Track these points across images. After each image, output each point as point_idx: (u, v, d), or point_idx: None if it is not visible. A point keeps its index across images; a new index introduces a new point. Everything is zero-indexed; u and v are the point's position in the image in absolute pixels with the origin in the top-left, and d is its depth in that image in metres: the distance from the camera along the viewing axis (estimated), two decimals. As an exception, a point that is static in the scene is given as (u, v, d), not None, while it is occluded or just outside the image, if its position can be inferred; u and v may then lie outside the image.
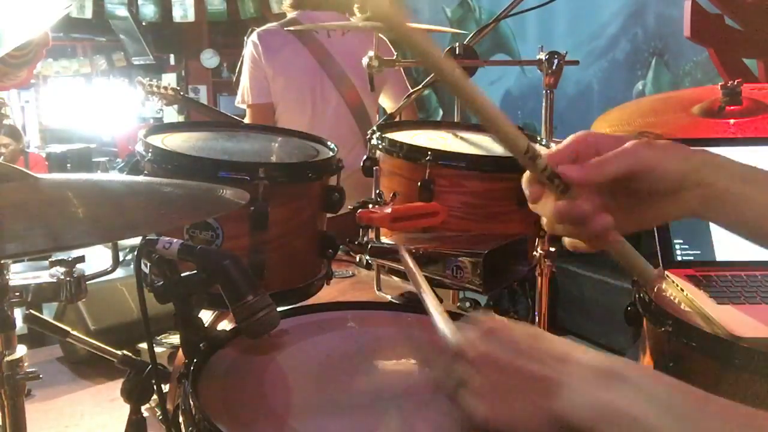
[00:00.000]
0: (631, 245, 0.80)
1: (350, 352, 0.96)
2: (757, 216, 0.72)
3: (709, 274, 1.19)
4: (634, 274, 0.81)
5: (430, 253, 1.13)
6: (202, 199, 0.92)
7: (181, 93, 3.49)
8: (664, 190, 0.73)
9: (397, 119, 2.13)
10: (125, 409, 1.09)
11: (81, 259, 1.07)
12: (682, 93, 2.22)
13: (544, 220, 0.79)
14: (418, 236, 1.21)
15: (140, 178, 1.05)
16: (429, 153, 1.22)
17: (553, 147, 0.76)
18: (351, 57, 2.07)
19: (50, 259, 1.07)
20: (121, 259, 1.19)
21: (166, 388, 1.09)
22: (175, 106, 3.61)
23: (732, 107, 1.57)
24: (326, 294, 1.21)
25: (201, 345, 0.93)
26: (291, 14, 2.48)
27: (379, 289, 1.34)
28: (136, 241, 0.93)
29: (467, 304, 1.50)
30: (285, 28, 2.43)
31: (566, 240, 0.80)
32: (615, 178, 0.72)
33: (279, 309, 0.93)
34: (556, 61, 1.67)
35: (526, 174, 0.77)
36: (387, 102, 2.55)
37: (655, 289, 1.18)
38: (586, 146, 0.75)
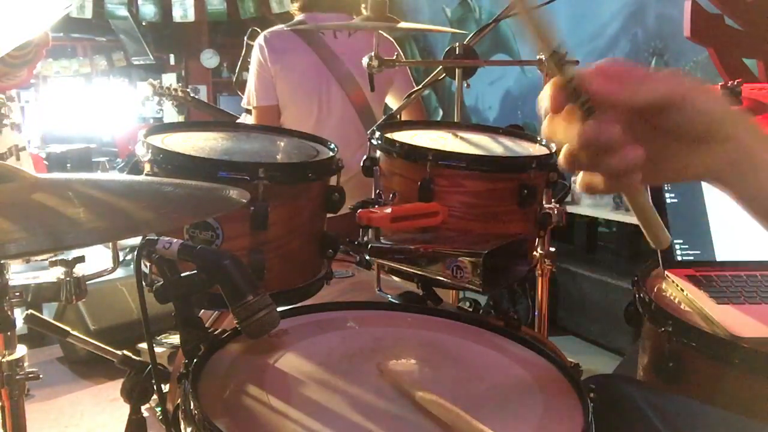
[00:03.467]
0: (647, 202, 0.71)
1: (350, 352, 0.96)
2: None
3: (709, 274, 1.19)
4: (648, 234, 0.72)
5: (430, 253, 1.13)
6: (202, 199, 0.92)
7: (191, 95, 3.54)
8: (693, 132, 0.65)
9: (397, 119, 2.13)
10: (125, 409, 1.08)
11: (81, 259, 1.07)
12: (682, 93, 2.22)
13: (561, 154, 0.67)
14: (418, 236, 1.21)
15: (140, 178, 1.05)
16: (429, 153, 1.22)
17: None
18: (357, 58, 2.08)
19: (50, 259, 1.07)
20: (121, 259, 1.19)
21: (166, 388, 1.09)
22: (175, 106, 3.64)
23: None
24: (326, 294, 1.21)
25: (201, 345, 0.93)
26: (298, 16, 2.48)
27: (379, 289, 1.34)
28: (136, 241, 0.93)
29: (467, 304, 1.50)
30: (291, 29, 2.43)
31: (581, 179, 0.69)
32: (648, 106, 0.64)
33: (279, 309, 0.93)
34: (556, 61, 1.67)
35: (551, 82, 0.66)
36: (394, 102, 2.55)
37: (655, 289, 1.18)
38: (621, 70, 0.64)
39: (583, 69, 0.64)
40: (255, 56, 2.42)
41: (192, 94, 3.61)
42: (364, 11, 1.87)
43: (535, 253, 1.46)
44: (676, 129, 0.65)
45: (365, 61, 1.83)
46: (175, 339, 2.72)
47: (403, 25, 1.94)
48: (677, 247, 1.26)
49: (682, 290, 1.14)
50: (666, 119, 0.65)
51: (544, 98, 0.66)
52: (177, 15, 6.75)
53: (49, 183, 0.85)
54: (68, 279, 1.05)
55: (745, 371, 0.96)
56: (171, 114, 6.54)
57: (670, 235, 0.71)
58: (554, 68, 0.64)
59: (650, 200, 0.71)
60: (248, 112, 2.57)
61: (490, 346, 1.01)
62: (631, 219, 3.76)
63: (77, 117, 7.69)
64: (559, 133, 0.66)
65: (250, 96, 2.44)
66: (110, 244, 1.19)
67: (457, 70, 1.82)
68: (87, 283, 1.08)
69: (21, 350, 1.05)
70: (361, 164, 1.31)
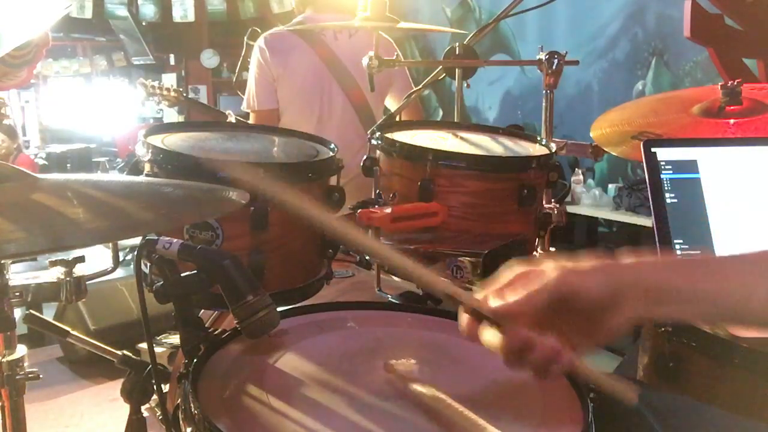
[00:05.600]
0: (595, 370, 0.76)
1: (350, 352, 0.96)
2: (722, 305, 0.72)
3: (709, 274, 1.19)
4: (615, 395, 0.76)
5: (430, 253, 1.13)
6: (202, 199, 0.92)
7: (184, 94, 3.53)
8: (598, 308, 0.71)
9: (397, 119, 2.14)
10: (125, 409, 1.08)
11: (81, 259, 1.07)
12: (682, 93, 2.22)
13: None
14: (418, 236, 1.21)
15: (140, 178, 1.05)
16: (429, 153, 1.22)
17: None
18: (358, 58, 2.09)
19: (50, 259, 1.07)
20: (121, 259, 1.19)
21: (166, 388, 1.09)
22: (168, 106, 3.64)
23: (732, 107, 1.57)
24: (326, 294, 1.21)
25: (201, 345, 0.93)
26: (298, 17, 2.47)
27: (379, 289, 1.34)
28: (136, 241, 0.93)
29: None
30: (291, 30, 2.42)
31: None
32: (546, 308, 0.71)
33: (279, 309, 0.93)
34: (556, 61, 1.67)
35: (460, 311, 0.76)
36: (393, 103, 2.55)
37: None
38: (520, 280, 0.73)
39: (488, 291, 0.74)
40: (255, 59, 2.40)
41: (184, 94, 3.60)
42: (361, 11, 1.87)
43: (535, 253, 1.46)
44: (581, 312, 0.71)
45: (365, 61, 1.83)
46: (175, 339, 2.71)
47: (403, 25, 1.94)
48: (677, 246, 1.25)
49: (682, 290, 1.14)
50: (570, 308, 0.70)
51: (462, 327, 0.75)
52: (177, 15, 6.75)
53: (48, 183, 0.85)
54: (68, 279, 1.05)
55: (745, 371, 0.96)
56: (171, 114, 6.53)
57: (634, 393, 0.75)
58: (455, 302, 0.75)
59: (596, 369, 0.76)
60: (245, 116, 2.57)
61: (490, 346, 1.00)
62: (631, 219, 3.75)
63: (77, 117, 7.70)
64: (491, 345, 0.74)
65: (250, 99, 2.42)
66: (110, 244, 1.19)
67: (457, 70, 1.82)
68: (87, 283, 1.08)
69: (21, 350, 1.05)
70: (361, 164, 1.31)
